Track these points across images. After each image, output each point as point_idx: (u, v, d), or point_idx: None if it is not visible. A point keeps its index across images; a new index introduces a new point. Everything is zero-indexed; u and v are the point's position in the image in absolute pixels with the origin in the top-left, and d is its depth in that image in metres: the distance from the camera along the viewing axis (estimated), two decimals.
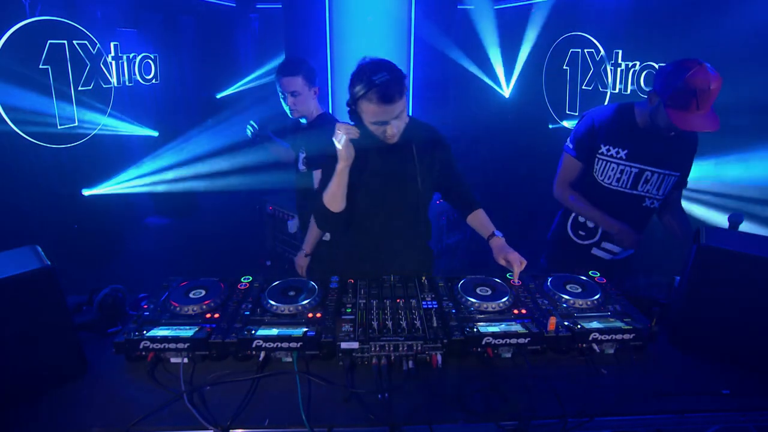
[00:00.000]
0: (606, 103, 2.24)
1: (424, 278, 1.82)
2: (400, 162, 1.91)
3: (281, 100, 2.44)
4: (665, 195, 2.18)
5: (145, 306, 1.62)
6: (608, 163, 2.12)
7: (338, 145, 1.74)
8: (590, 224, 2.27)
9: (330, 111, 3.98)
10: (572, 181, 2.24)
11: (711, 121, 1.84)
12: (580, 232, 2.31)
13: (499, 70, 4.42)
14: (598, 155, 2.13)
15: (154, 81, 3.50)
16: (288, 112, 2.47)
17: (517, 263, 1.79)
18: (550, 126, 4.04)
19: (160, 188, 3.51)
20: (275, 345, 1.43)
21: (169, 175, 3.59)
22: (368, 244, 2.02)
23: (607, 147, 2.11)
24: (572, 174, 2.23)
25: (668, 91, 1.86)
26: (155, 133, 3.64)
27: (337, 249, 2.20)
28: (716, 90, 1.81)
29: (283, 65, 2.40)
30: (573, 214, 2.32)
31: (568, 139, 2.22)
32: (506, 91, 4.48)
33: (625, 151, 2.09)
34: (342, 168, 1.79)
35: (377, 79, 1.65)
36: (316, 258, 2.40)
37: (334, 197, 1.84)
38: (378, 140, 1.83)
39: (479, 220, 2.06)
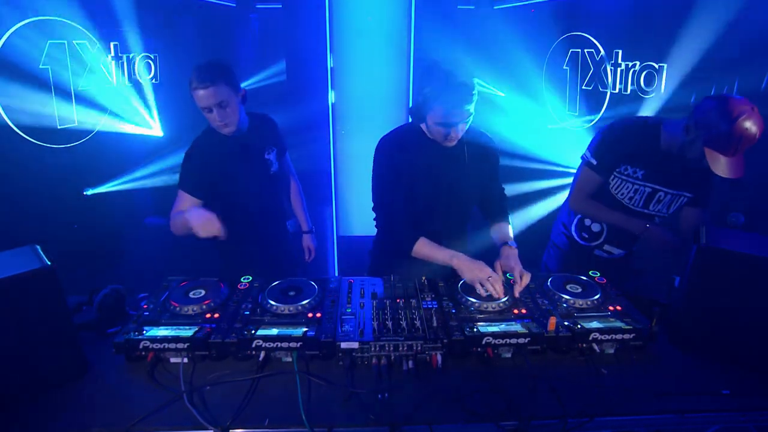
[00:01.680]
0: (628, 116, 2.12)
1: (424, 278, 1.82)
2: (452, 166, 1.91)
3: (208, 119, 2.00)
4: (674, 213, 2.15)
5: (145, 306, 1.62)
6: (624, 182, 2.07)
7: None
8: (595, 228, 2.26)
9: (330, 112, 3.98)
10: (591, 194, 2.15)
11: (740, 166, 1.76)
12: (584, 235, 2.31)
13: (499, 70, 4.42)
14: (615, 172, 2.07)
15: (154, 81, 3.50)
16: (220, 130, 2.02)
17: (517, 274, 1.75)
18: (549, 126, 4.04)
19: (160, 184, 3.51)
20: (275, 345, 1.43)
21: (170, 174, 3.59)
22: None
23: (626, 166, 2.04)
24: (591, 187, 2.13)
25: (712, 130, 1.75)
26: (155, 134, 3.64)
27: (385, 247, 2.18)
28: (758, 138, 1.72)
29: (198, 75, 1.92)
30: (578, 216, 2.31)
31: (588, 152, 2.11)
32: (506, 91, 4.48)
33: (643, 172, 2.02)
34: (458, 267, 1.77)
35: (453, 81, 1.66)
36: (364, 255, 2.34)
37: (424, 257, 1.87)
38: (431, 142, 1.84)
39: (501, 230, 2.06)
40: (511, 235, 2.03)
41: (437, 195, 1.94)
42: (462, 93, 1.68)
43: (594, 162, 2.08)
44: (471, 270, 1.73)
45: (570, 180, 3.63)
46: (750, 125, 1.69)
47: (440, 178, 1.92)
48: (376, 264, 2.21)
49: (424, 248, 1.87)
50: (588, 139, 2.17)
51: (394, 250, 1.94)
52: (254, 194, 2.26)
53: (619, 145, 2.03)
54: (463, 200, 2.02)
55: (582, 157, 2.15)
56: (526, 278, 1.75)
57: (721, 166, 1.76)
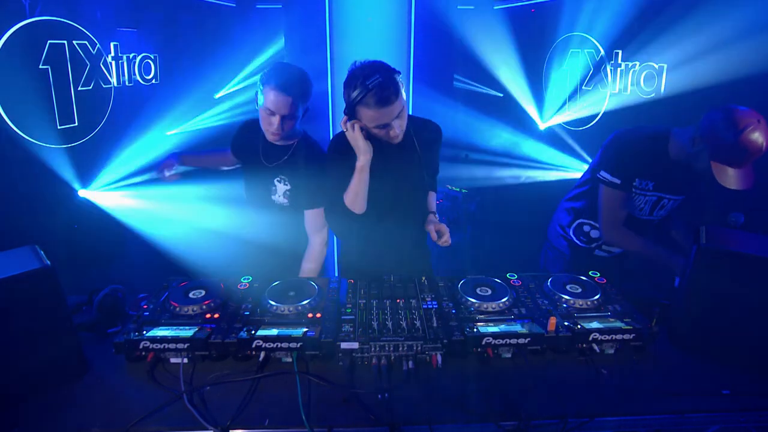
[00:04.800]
0: (634, 128, 2.10)
1: (424, 278, 1.82)
2: (405, 161, 1.92)
3: (261, 116, 1.95)
4: (670, 215, 2.17)
5: (145, 306, 1.62)
6: (636, 196, 2.06)
7: (356, 142, 1.76)
8: (594, 234, 2.26)
9: (330, 113, 3.98)
10: (624, 217, 2.07)
11: (748, 178, 1.74)
12: (582, 238, 2.31)
13: (499, 70, 4.43)
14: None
15: (154, 81, 3.50)
16: (266, 133, 1.98)
17: (444, 232, 1.91)
18: (546, 126, 4.05)
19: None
20: (275, 345, 1.43)
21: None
22: (377, 243, 2.03)
23: (639, 180, 2.02)
24: (622, 208, 2.06)
25: (717, 143, 1.73)
26: (155, 134, 3.64)
27: (347, 249, 2.21)
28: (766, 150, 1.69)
29: (280, 77, 1.86)
30: (578, 221, 2.30)
31: (606, 173, 2.04)
32: (505, 91, 4.48)
33: (653, 183, 2.02)
34: (363, 164, 1.79)
35: (370, 83, 1.63)
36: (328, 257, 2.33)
37: (357, 196, 1.83)
38: (381, 141, 1.82)
39: (429, 199, 2.14)
40: (434, 205, 2.14)
41: (394, 191, 1.95)
42: (383, 93, 1.64)
43: (617, 181, 2.02)
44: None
45: (567, 178, 3.65)
46: (756, 137, 1.67)
47: (394, 174, 1.92)
48: (346, 267, 2.22)
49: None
50: (587, 140, 2.17)
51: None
52: (256, 209, 2.19)
53: (636, 160, 2.00)
54: (421, 187, 2.04)
55: (599, 179, 2.08)
56: (444, 236, 1.91)
57: (728, 178, 1.75)
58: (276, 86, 1.85)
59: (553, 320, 1.48)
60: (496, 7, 4.31)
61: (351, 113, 1.74)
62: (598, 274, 1.84)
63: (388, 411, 1.27)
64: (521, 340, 1.48)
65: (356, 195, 1.83)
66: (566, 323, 1.53)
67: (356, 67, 1.72)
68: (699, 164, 1.85)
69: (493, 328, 1.50)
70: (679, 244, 2.22)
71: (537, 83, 4.09)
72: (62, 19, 2.70)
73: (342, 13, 3.73)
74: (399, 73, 1.72)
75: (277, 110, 1.88)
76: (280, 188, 2.10)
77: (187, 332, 1.46)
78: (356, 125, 1.74)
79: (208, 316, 1.57)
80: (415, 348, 1.45)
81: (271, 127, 1.93)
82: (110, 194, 3.22)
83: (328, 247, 2.18)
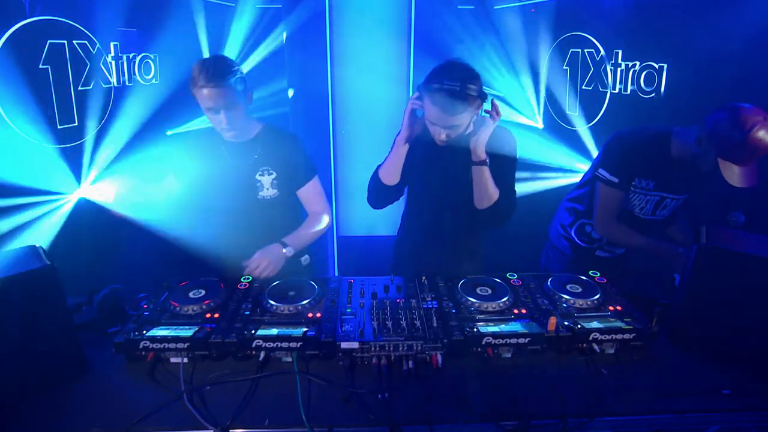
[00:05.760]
0: (635, 127, 2.10)
1: (424, 278, 1.82)
2: (452, 161, 1.91)
3: (209, 119, 1.90)
4: (673, 214, 2.17)
5: (145, 306, 1.62)
6: (635, 194, 2.07)
7: (405, 116, 1.80)
8: (596, 235, 2.25)
9: (330, 114, 3.98)
10: (618, 214, 2.09)
11: (754, 175, 1.75)
12: (584, 239, 2.31)
13: (499, 70, 4.43)
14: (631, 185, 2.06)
15: (154, 81, 3.50)
16: (222, 134, 1.93)
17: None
18: (542, 126, 4.06)
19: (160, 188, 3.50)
20: (275, 345, 1.43)
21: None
22: (429, 241, 2.05)
23: (639, 180, 2.03)
24: (617, 206, 2.08)
25: (725, 143, 1.73)
26: (155, 134, 3.64)
27: (401, 247, 2.22)
28: None
29: (204, 72, 1.77)
30: (580, 220, 2.30)
31: (604, 171, 2.06)
32: (505, 91, 4.48)
33: (654, 183, 2.02)
34: (401, 137, 1.84)
35: (446, 84, 1.67)
36: (364, 255, 2.35)
37: (389, 168, 1.91)
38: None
39: None
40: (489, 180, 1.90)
41: (444, 191, 1.96)
42: (449, 100, 1.67)
43: (615, 180, 2.03)
44: None
45: (567, 180, 3.65)
46: (763, 135, 1.67)
47: (447, 176, 1.94)
48: (400, 260, 2.22)
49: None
50: (587, 140, 2.17)
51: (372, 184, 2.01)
52: (239, 213, 2.08)
53: (636, 159, 2.00)
54: (464, 200, 1.97)
55: (597, 176, 2.09)
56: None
57: (735, 176, 1.75)
58: (200, 85, 1.79)
59: (553, 320, 1.48)
60: (496, 7, 4.30)
61: (421, 95, 1.79)
62: (598, 274, 1.84)
63: (388, 411, 1.27)
64: (521, 340, 1.48)
65: (389, 165, 1.92)
66: (566, 323, 1.53)
67: (449, 63, 1.76)
68: (705, 164, 1.85)
69: (493, 328, 1.50)
70: (677, 241, 2.22)
71: (537, 83, 4.09)
72: (62, 19, 2.70)
73: (342, 13, 3.74)
74: (484, 99, 1.74)
75: (214, 105, 1.81)
76: (266, 180, 2.03)
77: (187, 332, 1.46)
78: (412, 105, 1.80)
79: (208, 316, 1.57)
80: (415, 348, 1.45)
81: (221, 125, 1.88)
82: (110, 194, 3.22)
83: (325, 240, 2.20)
